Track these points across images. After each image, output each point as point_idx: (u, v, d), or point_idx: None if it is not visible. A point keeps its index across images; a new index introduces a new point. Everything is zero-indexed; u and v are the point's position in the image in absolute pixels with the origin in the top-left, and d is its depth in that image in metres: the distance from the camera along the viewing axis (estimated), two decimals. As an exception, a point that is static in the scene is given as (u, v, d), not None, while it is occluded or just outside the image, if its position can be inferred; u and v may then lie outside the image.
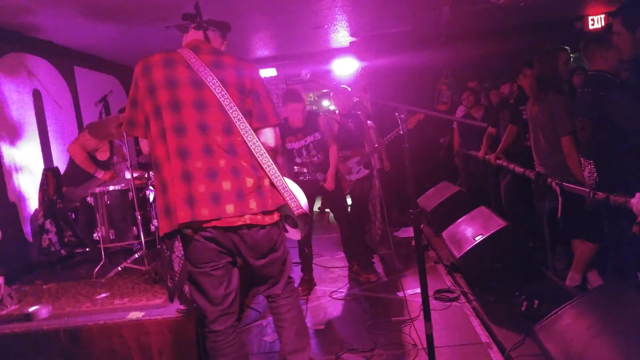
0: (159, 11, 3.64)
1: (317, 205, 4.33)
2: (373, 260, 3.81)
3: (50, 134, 4.14)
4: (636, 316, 1.64)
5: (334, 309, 3.01)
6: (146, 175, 3.47)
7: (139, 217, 3.06)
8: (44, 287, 3.09)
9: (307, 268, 3.37)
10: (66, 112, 4.44)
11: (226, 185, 1.59)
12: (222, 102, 1.62)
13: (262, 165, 1.64)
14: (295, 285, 2.16)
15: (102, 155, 3.68)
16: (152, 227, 3.32)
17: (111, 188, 3.24)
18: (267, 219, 1.66)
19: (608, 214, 2.32)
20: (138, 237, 3.12)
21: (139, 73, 1.65)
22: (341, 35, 5.42)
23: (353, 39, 5.66)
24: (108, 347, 2.34)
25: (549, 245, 3.04)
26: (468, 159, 4.85)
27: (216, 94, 1.61)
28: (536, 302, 2.38)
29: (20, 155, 3.77)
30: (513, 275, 2.82)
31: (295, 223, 1.75)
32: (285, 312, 1.83)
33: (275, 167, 1.66)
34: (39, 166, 3.90)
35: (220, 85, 1.62)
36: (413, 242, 4.11)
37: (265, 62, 6.24)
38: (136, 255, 3.18)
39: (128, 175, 3.88)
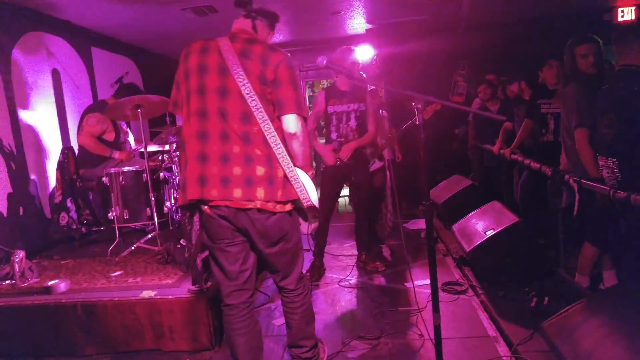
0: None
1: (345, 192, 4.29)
2: (382, 250, 3.82)
3: (67, 114, 4.20)
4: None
5: (342, 296, 3.04)
6: (160, 158, 3.51)
7: (153, 199, 3.11)
8: (62, 262, 3.19)
9: (318, 254, 3.38)
10: (83, 92, 4.49)
11: (236, 170, 1.64)
12: (243, 91, 1.63)
13: (277, 155, 1.65)
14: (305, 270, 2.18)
15: (109, 136, 3.72)
16: (165, 209, 3.37)
17: (126, 169, 3.30)
18: (279, 207, 1.68)
19: (626, 214, 2.27)
20: (151, 217, 3.17)
21: (181, 58, 1.74)
22: (357, 22, 5.34)
23: (369, 25, 5.57)
24: (122, 323, 2.43)
25: (562, 242, 3.00)
26: (482, 152, 4.80)
27: (238, 83, 1.63)
28: (546, 298, 2.37)
29: (39, 134, 3.84)
30: (523, 272, 2.81)
31: (306, 216, 1.76)
32: (297, 307, 1.88)
33: (288, 158, 1.67)
34: (57, 145, 3.97)
35: (244, 74, 1.63)
36: (422, 234, 4.12)
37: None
38: (149, 236, 3.24)
39: (134, 145, 3.94)
